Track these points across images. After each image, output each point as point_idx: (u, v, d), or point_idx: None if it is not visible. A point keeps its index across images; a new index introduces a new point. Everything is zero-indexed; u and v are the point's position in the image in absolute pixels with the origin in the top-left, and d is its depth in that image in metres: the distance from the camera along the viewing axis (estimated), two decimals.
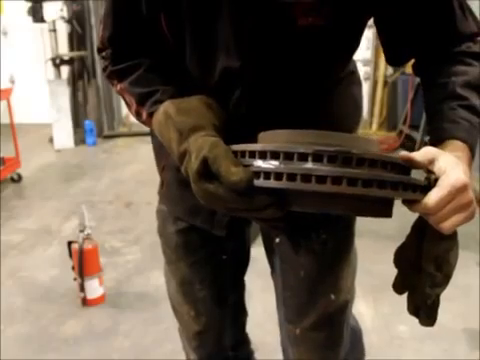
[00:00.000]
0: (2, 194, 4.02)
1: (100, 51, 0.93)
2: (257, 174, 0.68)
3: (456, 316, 2.17)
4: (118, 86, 0.90)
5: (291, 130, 0.72)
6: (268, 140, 0.74)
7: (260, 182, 0.67)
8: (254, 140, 0.77)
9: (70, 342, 2.15)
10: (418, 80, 4.67)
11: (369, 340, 2.05)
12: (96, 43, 0.93)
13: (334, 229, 1.00)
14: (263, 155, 0.68)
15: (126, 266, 2.79)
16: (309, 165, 0.65)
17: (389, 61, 0.93)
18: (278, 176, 0.66)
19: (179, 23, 0.83)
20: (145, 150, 5.23)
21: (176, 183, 1.02)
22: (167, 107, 0.80)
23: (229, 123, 0.82)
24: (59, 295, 2.49)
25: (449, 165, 0.68)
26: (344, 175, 0.63)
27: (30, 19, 5.19)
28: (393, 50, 0.90)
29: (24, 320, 2.31)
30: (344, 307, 1.07)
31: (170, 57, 0.89)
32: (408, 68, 5.10)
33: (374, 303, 2.37)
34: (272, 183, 0.66)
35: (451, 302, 2.18)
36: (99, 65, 5.52)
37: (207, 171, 0.69)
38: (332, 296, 1.02)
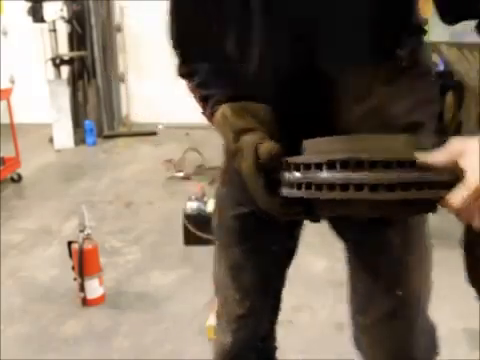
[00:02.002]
0: (2, 194, 4.02)
1: (174, 49, 1.03)
2: (288, 184, 0.76)
3: (456, 316, 2.17)
4: (188, 85, 1.02)
5: (328, 138, 0.77)
6: (310, 148, 0.79)
7: (288, 192, 0.75)
8: (302, 141, 0.82)
9: (70, 342, 2.15)
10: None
11: None
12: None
13: (402, 226, 1.01)
14: (288, 167, 0.76)
15: (126, 266, 2.79)
16: (324, 174, 0.69)
17: (443, 18, 0.89)
18: (299, 186, 0.72)
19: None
20: (145, 150, 5.23)
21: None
22: (224, 110, 0.91)
23: (282, 125, 0.90)
24: (59, 295, 2.49)
25: (475, 162, 0.65)
26: (351, 182, 0.66)
27: (30, 19, 5.19)
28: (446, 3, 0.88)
29: (24, 320, 2.31)
30: (415, 301, 1.08)
31: (227, 61, 0.98)
32: None
33: None
34: (295, 193, 0.73)
35: (451, 302, 2.18)
36: (99, 65, 5.54)
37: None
38: (400, 291, 1.04)
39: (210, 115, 0.96)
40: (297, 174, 0.73)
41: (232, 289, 1.16)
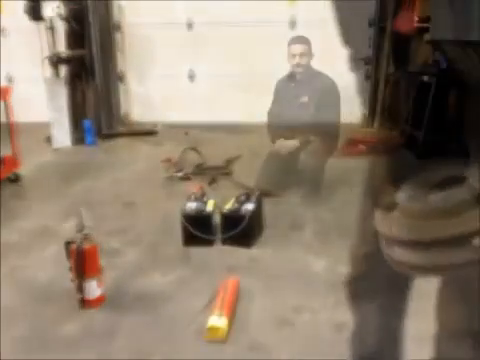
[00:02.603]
0: (1, 194, 4.01)
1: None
2: None
3: None
4: None
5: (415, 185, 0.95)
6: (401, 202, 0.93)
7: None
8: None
9: (69, 343, 2.14)
10: (422, 79, 4.68)
11: None
12: None
13: None
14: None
15: (126, 266, 2.78)
16: (395, 252, 0.86)
17: None
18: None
19: None
20: (145, 150, 5.22)
21: None
22: None
23: None
24: (59, 295, 2.48)
25: None
26: (411, 264, 0.84)
27: (29, 18, 5.17)
28: None
29: (23, 320, 2.30)
30: None
31: None
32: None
33: None
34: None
35: None
36: (97, 64, 5.52)
37: None
38: None
39: None
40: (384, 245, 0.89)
41: (361, 231, 1.39)
